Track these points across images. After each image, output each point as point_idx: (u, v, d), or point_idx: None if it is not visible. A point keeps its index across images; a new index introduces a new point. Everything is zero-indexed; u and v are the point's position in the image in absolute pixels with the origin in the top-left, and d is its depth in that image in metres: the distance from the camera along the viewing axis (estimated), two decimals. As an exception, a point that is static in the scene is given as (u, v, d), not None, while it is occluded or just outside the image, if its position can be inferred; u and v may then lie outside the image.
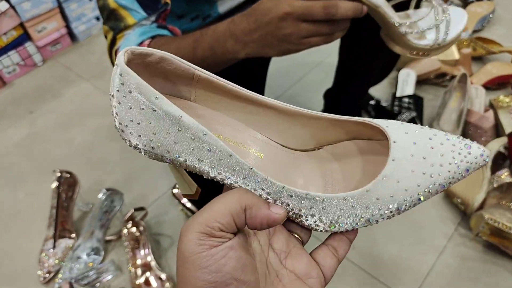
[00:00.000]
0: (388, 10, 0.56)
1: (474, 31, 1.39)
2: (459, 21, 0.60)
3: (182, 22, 0.77)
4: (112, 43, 0.60)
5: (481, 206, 0.93)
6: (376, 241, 0.93)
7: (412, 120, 1.07)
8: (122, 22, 0.60)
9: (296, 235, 0.34)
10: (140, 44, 0.57)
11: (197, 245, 0.26)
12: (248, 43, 0.53)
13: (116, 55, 0.61)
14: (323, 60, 1.37)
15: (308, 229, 0.34)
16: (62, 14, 1.46)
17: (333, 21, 0.50)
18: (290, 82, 1.32)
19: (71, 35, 1.53)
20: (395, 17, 0.57)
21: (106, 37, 0.62)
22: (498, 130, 1.07)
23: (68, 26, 1.50)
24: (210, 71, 0.32)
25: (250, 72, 0.75)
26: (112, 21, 0.60)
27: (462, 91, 1.11)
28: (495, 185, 0.93)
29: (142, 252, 0.92)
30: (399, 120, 1.08)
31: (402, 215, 0.95)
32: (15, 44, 1.38)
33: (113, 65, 0.59)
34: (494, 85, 1.19)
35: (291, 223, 0.33)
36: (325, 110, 1.11)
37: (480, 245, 0.91)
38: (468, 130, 1.07)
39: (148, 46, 0.57)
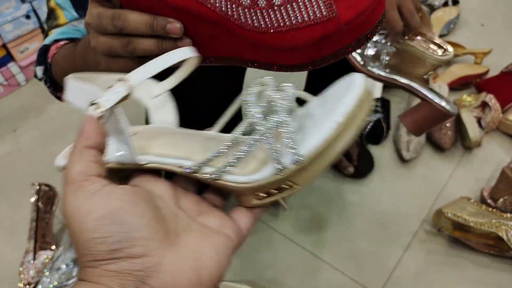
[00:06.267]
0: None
1: (441, 36, 1.44)
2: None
3: None
4: (44, 38, 0.65)
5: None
6: (344, 238, 0.96)
7: (378, 121, 1.11)
8: (56, 21, 0.64)
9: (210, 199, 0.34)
10: (55, 42, 0.61)
11: (84, 175, 0.26)
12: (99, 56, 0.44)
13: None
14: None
15: (223, 195, 0.35)
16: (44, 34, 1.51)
17: (132, 39, 0.38)
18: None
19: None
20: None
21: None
22: (459, 125, 1.12)
23: (50, 46, 1.55)
24: None
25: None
26: (51, 19, 0.65)
27: (426, 93, 1.16)
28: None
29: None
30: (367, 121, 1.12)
31: (367, 214, 0.98)
32: (-2, 65, 1.42)
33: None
34: (459, 85, 1.24)
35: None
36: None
37: (445, 239, 0.94)
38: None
39: (58, 49, 0.60)
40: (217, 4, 0.34)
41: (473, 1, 1.58)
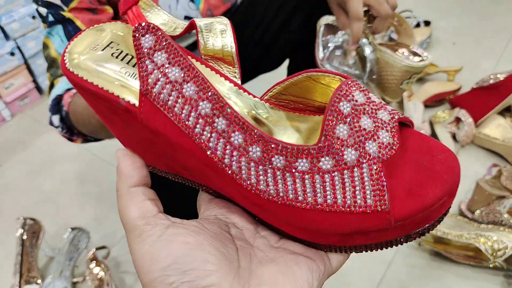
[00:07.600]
0: None
1: (414, 55, 1.49)
2: None
3: None
4: (51, 87, 0.67)
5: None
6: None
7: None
8: (60, 70, 0.66)
9: None
10: (67, 91, 0.63)
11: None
12: None
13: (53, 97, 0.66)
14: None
15: None
16: (29, 69, 1.54)
17: None
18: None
19: (39, 88, 1.60)
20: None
21: (48, 81, 0.69)
22: (436, 143, 1.15)
23: (35, 81, 1.57)
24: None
25: None
26: (54, 68, 0.67)
27: (401, 111, 1.20)
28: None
29: (107, 290, 0.95)
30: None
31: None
32: (-16, 101, 1.44)
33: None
34: (433, 102, 1.28)
35: None
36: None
37: (426, 253, 0.96)
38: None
39: (72, 98, 0.63)
40: (211, 144, 0.24)
41: (444, 21, 1.65)
